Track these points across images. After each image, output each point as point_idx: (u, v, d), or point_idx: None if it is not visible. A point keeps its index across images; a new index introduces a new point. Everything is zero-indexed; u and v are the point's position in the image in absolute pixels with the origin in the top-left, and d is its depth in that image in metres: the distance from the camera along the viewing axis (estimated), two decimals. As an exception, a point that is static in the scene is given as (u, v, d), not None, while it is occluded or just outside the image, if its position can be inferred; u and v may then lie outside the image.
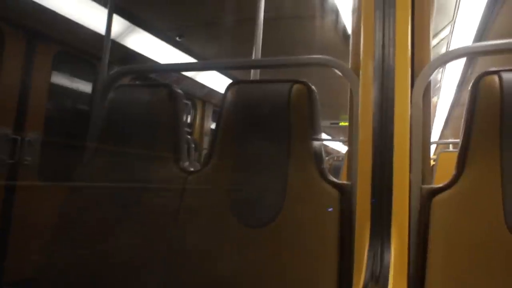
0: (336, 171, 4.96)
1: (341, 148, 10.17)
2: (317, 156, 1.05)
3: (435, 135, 7.71)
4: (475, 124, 0.94)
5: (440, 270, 0.88)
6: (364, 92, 0.92)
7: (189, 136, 3.90)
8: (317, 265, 0.98)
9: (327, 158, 5.94)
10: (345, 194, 0.99)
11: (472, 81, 0.97)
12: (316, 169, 1.04)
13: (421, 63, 1.01)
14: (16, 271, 2.16)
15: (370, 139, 0.88)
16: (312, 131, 1.07)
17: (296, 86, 1.09)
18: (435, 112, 6.31)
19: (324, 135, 7.39)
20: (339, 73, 1.04)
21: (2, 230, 2.40)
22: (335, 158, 6.53)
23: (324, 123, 5.76)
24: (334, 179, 1.03)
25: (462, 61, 3.91)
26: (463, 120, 0.97)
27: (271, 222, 1.02)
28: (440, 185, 0.94)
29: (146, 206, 1.17)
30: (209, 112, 4.83)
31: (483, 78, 0.95)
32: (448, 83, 4.95)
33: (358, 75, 0.97)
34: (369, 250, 0.83)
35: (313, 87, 1.10)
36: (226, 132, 1.15)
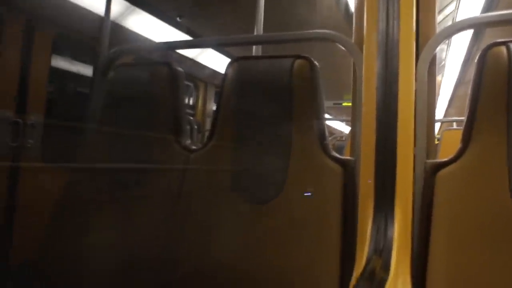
0: (339, 152, 4.96)
1: (344, 129, 10.16)
2: (320, 132, 1.04)
3: (439, 114, 7.67)
4: (482, 96, 0.92)
5: (444, 244, 0.88)
6: (368, 66, 0.91)
7: (191, 118, 3.89)
8: (320, 239, 0.98)
9: (330, 138, 5.94)
10: (348, 170, 0.98)
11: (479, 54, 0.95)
12: (319, 145, 1.03)
13: (426, 37, 0.99)
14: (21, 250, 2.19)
15: (374, 113, 0.87)
16: (315, 106, 1.06)
17: (298, 61, 1.07)
18: (439, 90, 6.26)
19: (327, 116, 7.37)
20: (342, 48, 1.03)
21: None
22: (338, 138, 6.52)
23: (327, 103, 5.73)
24: (337, 155, 1.02)
25: (467, 38, 3.85)
26: (469, 92, 0.95)
27: (274, 198, 1.02)
28: (445, 159, 0.93)
29: (148, 185, 1.17)
30: (211, 94, 4.81)
31: (490, 50, 0.92)
32: (452, 61, 4.89)
33: (361, 50, 0.95)
34: (372, 224, 0.82)
35: (315, 62, 1.08)
36: (228, 109, 1.14)
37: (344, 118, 6.85)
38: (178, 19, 3.59)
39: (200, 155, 1.15)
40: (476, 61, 0.94)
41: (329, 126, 8.85)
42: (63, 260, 1.19)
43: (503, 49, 0.91)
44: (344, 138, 6.16)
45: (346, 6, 3.24)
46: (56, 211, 1.27)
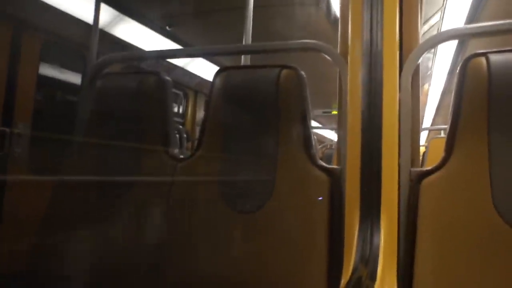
0: (328, 160, 4.97)
1: (334, 137, 10.19)
2: (307, 141, 1.05)
3: (427, 123, 7.75)
4: (464, 106, 0.94)
5: (429, 251, 0.89)
6: (352, 75, 0.92)
7: (181, 127, 3.88)
8: (307, 248, 0.98)
9: (320, 146, 5.96)
10: (335, 178, 0.99)
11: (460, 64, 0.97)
12: (306, 154, 1.04)
13: (410, 47, 1.01)
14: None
15: (359, 123, 0.88)
16: (302, 116, 1.07)
17: (284, 71, 1.08)
18: (426, 99, 6.34)
19: (317, 124, 7.41)
20: (328, 58, 1.04)
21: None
22: (328, 147, 6.55)
23: (317, 112, 5.77)
24: (324, 164, 1.03)
25: (452, 48, 3.91)
26: (451, 103, 0.97)
27: (261, 207, 1.02)
28: (429, 168, 0.94)
29: (135, 194, 1.16)
30: (201, 102, 4.80)
31: (470, 61, 0.94)
32: (439, 70, 4.96)
33: (346, 60, 0.97)
34: (358, 233, 0.83)
35: (302, 72, 1.09)
36: (216, 118, 1.14)
37: (333, 126, 6.89)
38: (167, 28, 3.60)
39: (187, 164, 1.15)
40: (457, 71, 0.96)
41: (318, 135, 8.89)
42: (46, 273, 1.17)
43: (483, 60, 0.93)
44: (333, 147, 6.18)
45: (335, 18, 3.27)
46: (42, 222, 1.25)
